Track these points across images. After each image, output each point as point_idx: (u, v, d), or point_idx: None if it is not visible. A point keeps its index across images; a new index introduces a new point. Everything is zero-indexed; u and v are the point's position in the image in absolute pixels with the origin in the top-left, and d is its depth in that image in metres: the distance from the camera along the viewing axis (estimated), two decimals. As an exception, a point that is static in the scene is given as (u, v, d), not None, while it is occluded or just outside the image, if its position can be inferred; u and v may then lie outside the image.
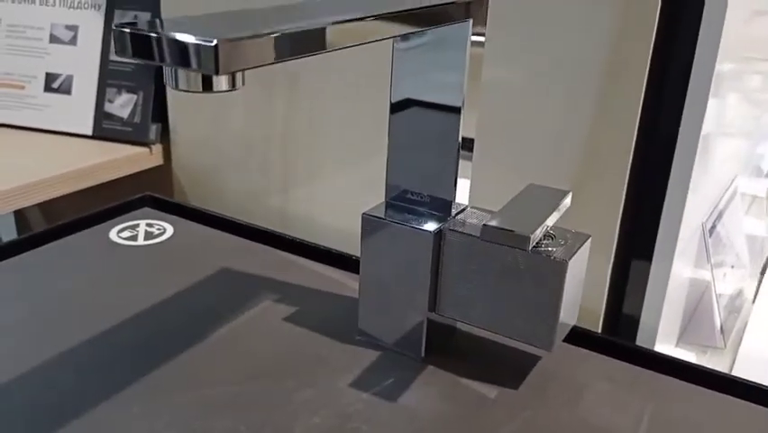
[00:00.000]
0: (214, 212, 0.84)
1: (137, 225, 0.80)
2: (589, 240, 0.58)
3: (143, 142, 1.05)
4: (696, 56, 0.68)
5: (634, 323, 0.80)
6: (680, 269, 0.81)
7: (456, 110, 0.57)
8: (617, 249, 0.75)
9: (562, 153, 0.74)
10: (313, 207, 0.93)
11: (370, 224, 0.60)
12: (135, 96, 1.06)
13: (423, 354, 0.62)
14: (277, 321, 0.66)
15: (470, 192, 0.62)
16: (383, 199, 0.62)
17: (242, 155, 0.97)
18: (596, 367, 0.63)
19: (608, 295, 0.78)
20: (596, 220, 0.74)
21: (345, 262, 0.75)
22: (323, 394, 0.57)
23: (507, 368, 0.62)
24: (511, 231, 0.50)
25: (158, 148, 1.06)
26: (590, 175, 0.73)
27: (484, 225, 0.51)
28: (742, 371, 0.87)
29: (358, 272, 0.62)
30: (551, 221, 0.54)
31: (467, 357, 0.63)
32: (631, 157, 0.71)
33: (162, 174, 1.07)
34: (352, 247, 0.71)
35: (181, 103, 1.00)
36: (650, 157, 0.73)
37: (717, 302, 0.96)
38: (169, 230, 0.80)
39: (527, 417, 0.56)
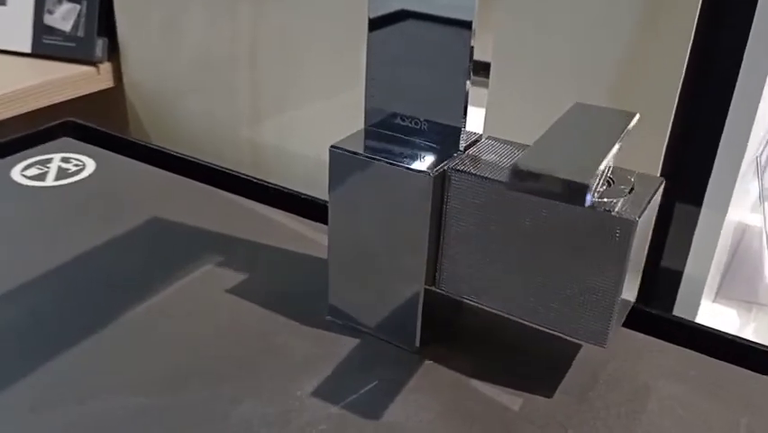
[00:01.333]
0: (147, 142, 0.66)
1: (50, 161, 0.62)
2: (662, 186, 0.39)
3: (89, 60, 0.90)
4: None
5: (675, 276, 0.67)
6: (731, 212, 0.65)
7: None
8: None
9: (594, 78, 0.57)
10: (288, 138, 0.79)
11: (341, 161, 0.41)
12: (78, 6, 0.90)
13: (418, 344, 0.44)
14: (217, 294, 0.48)
15: (484, 123, 0.44)
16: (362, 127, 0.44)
17: (204, 76, 0.84)
18: (660, 360, 0.45)
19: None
20: (633, 156, 0.57)
21: (317, 211, 0.57)
22: (274, 406, 0.40)
23: (535, 365, 0.44)
24: (557, 177, 0.31)
25: (106, 67, 0.92)
26: (630, 102, 0.57)
27: (514, 166, 0.32)
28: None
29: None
30: (610, 158, 0.35)
31: (478, 348, 0.45)
32: (681, 79, 0.55)
33: (113, 98, 0.94)
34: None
35: (132, 13, 0.88)
36: (707, 77, 0.56)
37: (768, 249, 0.78)
38: (90, 166, 0.62)
39: (568, 442, 0.39)
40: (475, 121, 0.42)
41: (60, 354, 0.42)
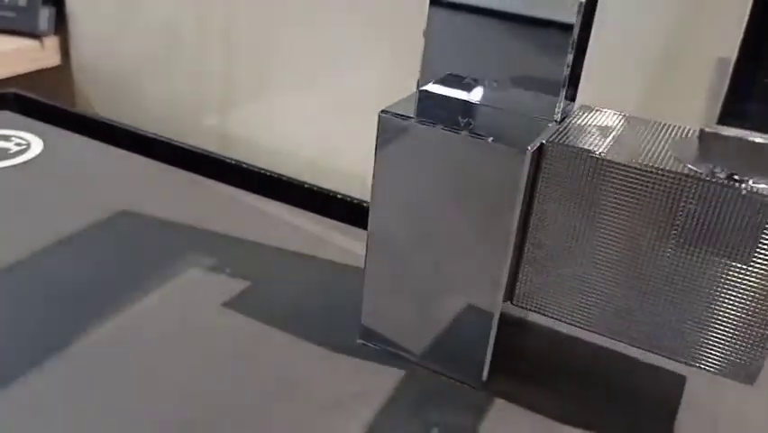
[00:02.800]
0: (109, 119, 0.54)
1: (-17, 139, 0.50)
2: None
3: (32, 33, 0.79)
4: None
5: None
6: None
7: None
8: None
9: None
10: (261, 129, 0.67)
11: (391, 130, 0.30)
12: None
13: (485, 378, 0.33)
14: (209, 309, 0.37)
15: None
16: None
17: (164, 54, 0.73)
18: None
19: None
20: None
21: (329, 206, 0.46)
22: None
23: (643, 405, 0.34)
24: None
25: (52, 41, 0.81)
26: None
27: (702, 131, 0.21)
28: None
29: (360, 226, 0.33)
30: None
31: (562, 383, 0.35)
32: None
33: (59, 77, 0.83)
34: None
35: None
36: None
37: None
38: (36, 146, 0.50)
39: None
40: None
41: (-2, 394, 0.30)
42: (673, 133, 0.31)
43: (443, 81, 0.32)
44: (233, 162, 0.51)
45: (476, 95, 0.32)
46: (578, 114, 0.33)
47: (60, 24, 0.81)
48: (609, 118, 0.32)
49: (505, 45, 0.31)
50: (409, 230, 0.32)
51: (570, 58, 0.30)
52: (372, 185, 0.32)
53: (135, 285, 0.37)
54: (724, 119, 0.26)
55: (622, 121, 0.32)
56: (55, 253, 0.39)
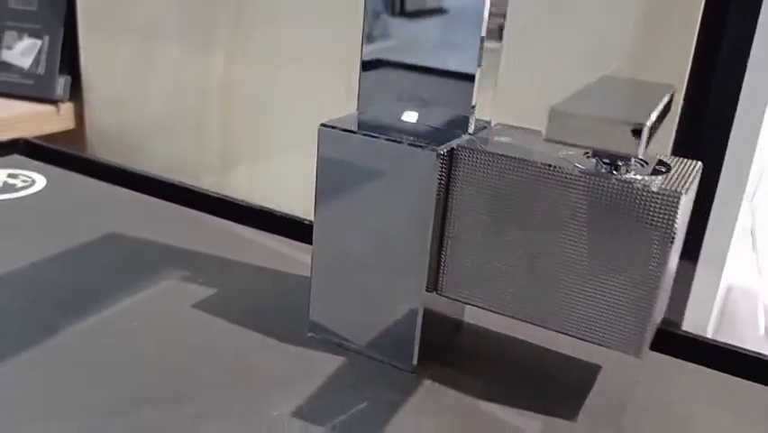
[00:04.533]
0: (105, 160, 0.60)
1: (-6, 176, 0.55)
2: (700, 169, 0.34)
3: (49, 99, 0.85)
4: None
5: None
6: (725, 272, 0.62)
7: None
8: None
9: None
10: (259, 188, 0.72)
11: (331, 141, 0.36)
12: (39, 42, 0.86)
13: (415, 362, 0.37)
14: (181, 310, 0.41)
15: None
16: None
17: (170, 119, 0.78)
18: (696, 385, 0.39)
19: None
20: None
21: (290, 228, 0.51)
22: (246, 427, 0.33)
23: (550, 386, 0.38)
24: (609, 118, 0.26)
25: (67, 107, 0.86)
26: None
27: (552, 109, 0.27)
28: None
29: (309, 243, 0.38)
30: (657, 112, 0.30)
31: (485, 369, 0.39)
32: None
33: (73, 140, 0.87)
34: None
35: (97, 51, 0.83)
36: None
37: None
38: (40, 182, 0.55)
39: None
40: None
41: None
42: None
43: (377, 106, 0.38)
44: (206, 193, 0.56)
45: (406, 115, 0.37)
46: (491, 128, 0.38)
47: (75, 91, 0.85)
48: (517, 131, 0.37)
49: (429, 83, 0.36)
50: (349, 232, 0.37)
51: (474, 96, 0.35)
52: (315, 189, 0.37)
53: (118, 290, 0.42)
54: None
55: (528, 133, 0.37)
56: (56, 265, 0.44)
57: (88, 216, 0.52)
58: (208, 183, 0.76)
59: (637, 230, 0.31)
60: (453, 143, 0.34)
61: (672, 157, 0.34)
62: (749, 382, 0.39)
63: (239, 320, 0.41)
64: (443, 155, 0.34)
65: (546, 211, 0.33)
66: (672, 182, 0.31)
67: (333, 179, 0.36)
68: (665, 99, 0.31)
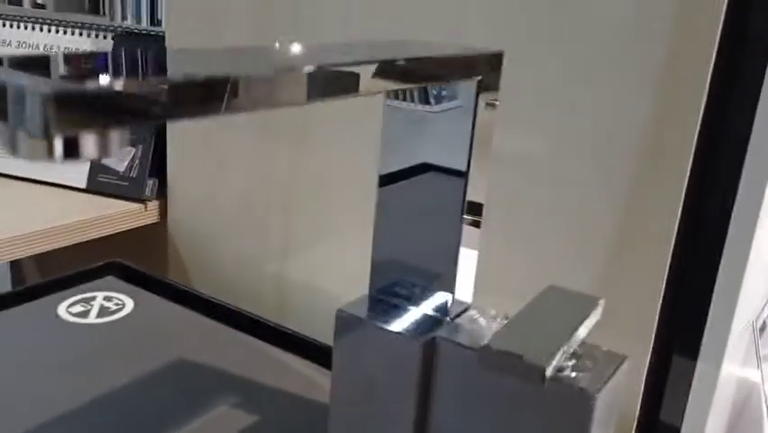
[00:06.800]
0: (182, 285, 0.74)
1: (93, 299, 0.70)
2: (626, 363, 0.46)
3: (139, 198, 0.98)
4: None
5: (673, 431, 0.68)
6: (727, 369, 0.69)
7: (460, 178, 0.46)
8: (655, 343, 0.64)
9: (589, 237, 0.62)
10: (313, 276, 0.83)
11: (345, 324, 0.49)
12: (134, 150, 0.99)
13: None
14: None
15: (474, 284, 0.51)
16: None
17: (240, 215, 0.90)
18: None
19: (644, 398, 0.67)
20: (631, 310, 0.63)
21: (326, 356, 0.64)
22: None
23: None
24: (519, 356, 0.38)
25: (154, 204, 0.99)
26: (624, 262, 0.62)
27: (483, 346, 0.39)
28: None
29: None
30: (575, 341, 0.42)
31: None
32: (672, 244, 0.61)
33: (157, 232, 1.00)
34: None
35: (182, 158, 0.94)
36: (697, 245, 0.61)
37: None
38: (129, 305, 0.69)
39: None
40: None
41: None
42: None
43: (388, 287, 0.51)
44: (283, 329, 0.69)
45: (405, 299, 0.50)
46: (467, 313, 0.50)
47: (161, 191, 0.98)
48: (486, 318, 0.49)
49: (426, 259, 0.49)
50: (352, 399, 0.49)
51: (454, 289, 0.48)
52: (332, 365, 0.49)
53: (182, 418, 0.55)
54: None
55: (489, 320, 0.49)
56: (132, 388, 0.57)
57: (166, 341, 0.65)
58: (268, 270, 0.88)
59: (557, 418, 0.41)
60: (434, 333, 0.46)
61: (607, 351, 0.45)
62: None
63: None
64: (423, 345, 0.46)
65: (494, 395, 0.44)
66: (591, 378, 0.42)
67: (348, 348, 0.49)
68: (586, 321, 0.42)
